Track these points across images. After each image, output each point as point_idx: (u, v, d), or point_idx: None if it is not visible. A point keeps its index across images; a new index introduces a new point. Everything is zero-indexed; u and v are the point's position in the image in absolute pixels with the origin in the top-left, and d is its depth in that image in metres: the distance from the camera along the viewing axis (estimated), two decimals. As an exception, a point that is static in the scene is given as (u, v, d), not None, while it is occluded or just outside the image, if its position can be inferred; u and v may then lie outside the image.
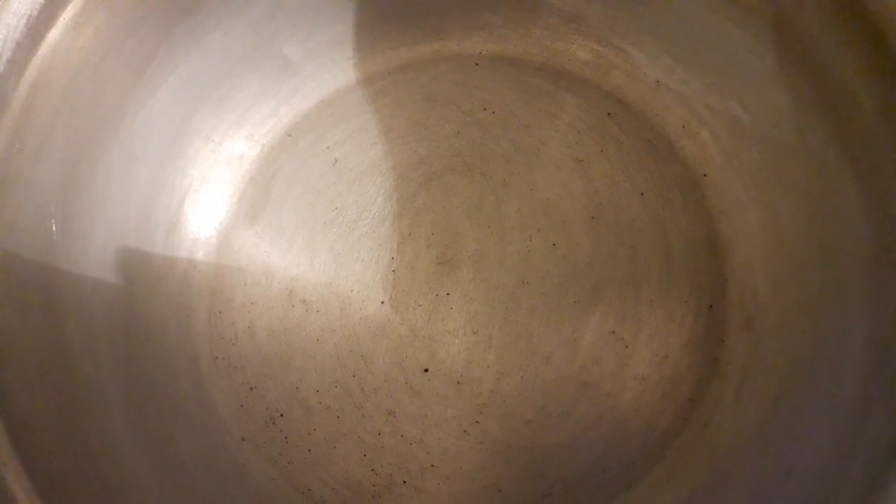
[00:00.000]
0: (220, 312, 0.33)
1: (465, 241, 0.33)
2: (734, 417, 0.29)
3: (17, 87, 0.27)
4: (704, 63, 0.32)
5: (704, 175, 0.33)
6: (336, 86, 0.36)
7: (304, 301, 0.33)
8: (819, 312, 0.28)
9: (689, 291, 0.32)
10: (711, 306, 0.31)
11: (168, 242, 0.33)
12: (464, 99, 0.35)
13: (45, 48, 0.27)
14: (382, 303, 0.33)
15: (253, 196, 0.35)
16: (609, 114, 0.34)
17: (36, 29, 0.27)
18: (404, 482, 0.31)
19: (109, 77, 0.30)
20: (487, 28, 0.35)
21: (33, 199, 0.28)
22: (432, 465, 0.31)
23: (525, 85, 0.35)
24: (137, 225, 0.32)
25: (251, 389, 0.32)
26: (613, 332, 0.31)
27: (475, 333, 0.32)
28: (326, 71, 0.36)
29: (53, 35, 0.27)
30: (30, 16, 0.27)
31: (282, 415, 0.32)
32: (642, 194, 0.33)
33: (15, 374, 0.26)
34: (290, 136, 0.35)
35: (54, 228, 0.29)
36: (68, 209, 0.29)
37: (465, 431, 0.31)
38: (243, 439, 0.31)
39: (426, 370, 0.32)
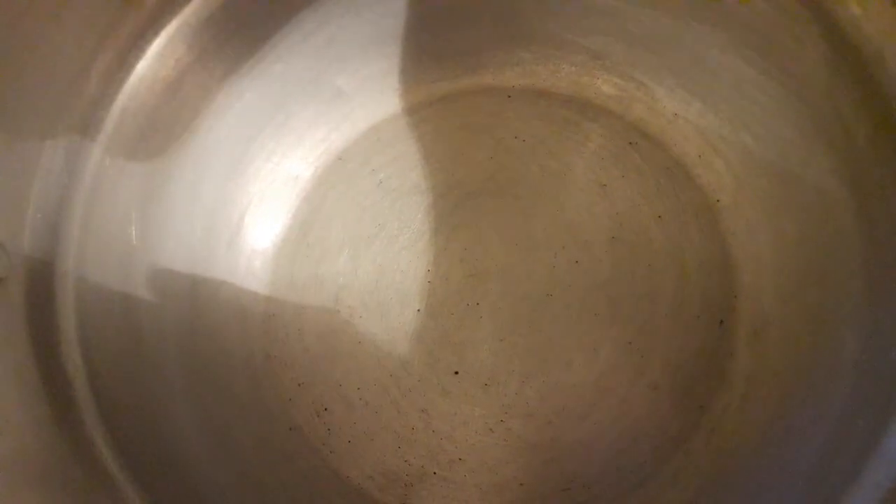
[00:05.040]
0: (274, 315, 0.36)
1: (495, 256, 0.36)
2: (739, 422, 0.32)
3: (110, 111, 0.31)
4: (718, 97, 0.35)
5: (718, 200, 0.36)
6: (383, 114, 0.39)
7: (349, 307, 0.36)
8: (818, 326, 0.30)
9: (701, 307, 0.34)
10: (722, 321, 0.34)
11: (229, 251, 0.37)
12: (497, 127, 0.38)
13: (134, 77, 0.32)
14: (419, 310, 0.36)
15: (306, 212, 0.38)
16: (631, 143, 0.37)
17: (128, 61, 0.31)
18: (434, 473, 0.34)
19: (184, 102, 0.34)
20: (520, 64, 0.39)
21: (118, 208, 0.32)
22: (460, 459, 0.34)
23: (554, 115, 0.38)
24: (203, 235, 0.36)
25: (299, 385, 0.35)
26: (630, 343, 0.34)
27: (502, 340, 0.35)
28: (374, 101, 0.39)
29: (142, 66, 0.32)
30: (122, 49, 0.31)
31: (326, 409, 0.35)
32: (660, 217, 0.36)
33: (101, 359, 0.29)
34: (340, 159, 0.39)
35: (133, 235, 0.33)
36: (145, 219, 0.33)
37: (490, 429, 0.34)
38: (291, 429, 0.35)
39: (456, 372, 0.35)
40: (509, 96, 0.39)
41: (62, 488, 0.26)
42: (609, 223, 0.36)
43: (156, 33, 0.32)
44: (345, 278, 0.37)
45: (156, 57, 0.32)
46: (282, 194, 0.38)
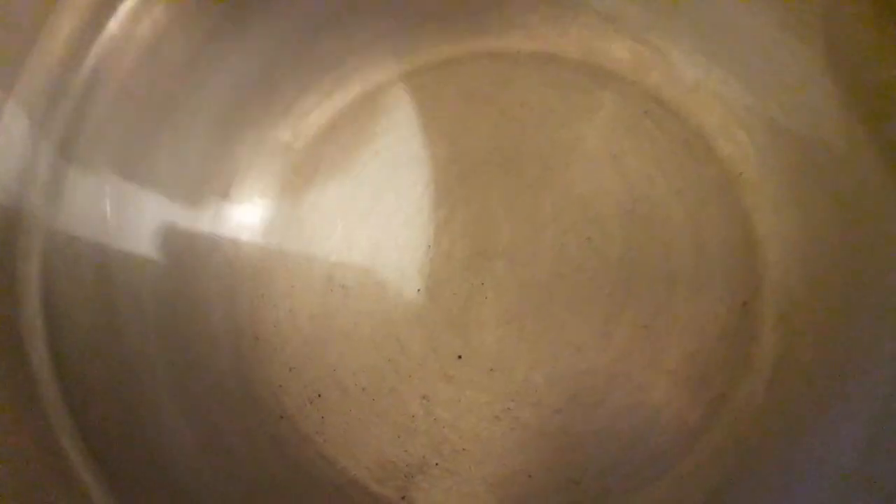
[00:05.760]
0: (263, 295, 0.34)
1: (500, 232, 0.34)
2: (764, 414, 0.29)
3: (79, 73, 0.28)
4: (743, 64, 0.33)
5: (741, 174, 0.33)
6: (378, 80, 0.37)
7: (343, 286, 0.34)
8: (851, 312, 0.28)
9: (723, 288, 0.32)
10: (745, 303, 0.32)
11: (214, 225, 0.34)
12: (502, 95, 0.36)
13: (105, 36, 0.29)
14: (419, 290, 0.34)
15: (296, 184, 0.36)
16: (646, 112, 0.35)
17: (98, 19, 0.28)
18: (436, 464, 0.32)
19: (163, 66, 0.31)
20: (526, 26, 0.36)
21: (90, 179, 0.29)
22: (464, 449, 0.32)
23: (563, 82, 0.35)
24: (186, 207, 0.33)
25: (290, 370, 0.33)
26: (646, 326, 0.32)
27: (508, 323, 0.33)
28: (369, 65, 0.37)
29: (113, 25, 0.29)
30: (91, 6, 0.28)
31: (319, 395, 0.33)
32: (678, 191, 0.33)
33: (70, 344, 0.27)
34: (333, 127, 0.36)
35: (108, 208, 0.30)
36: (122, 190, 0.31)
37: (496, 417, 0.32)
38: (282, 417, 0.33)
39: (460, 357, 0.33)
40: (515, 61, 0.36)
41: (18, 489, 0.23)
42: (623, 198, 0.34)
43: (129, -12, 0.29)
44: (338, 255, 0.34)
45: (128, 16, 0.29)
46: (271, 165, 0.36)
